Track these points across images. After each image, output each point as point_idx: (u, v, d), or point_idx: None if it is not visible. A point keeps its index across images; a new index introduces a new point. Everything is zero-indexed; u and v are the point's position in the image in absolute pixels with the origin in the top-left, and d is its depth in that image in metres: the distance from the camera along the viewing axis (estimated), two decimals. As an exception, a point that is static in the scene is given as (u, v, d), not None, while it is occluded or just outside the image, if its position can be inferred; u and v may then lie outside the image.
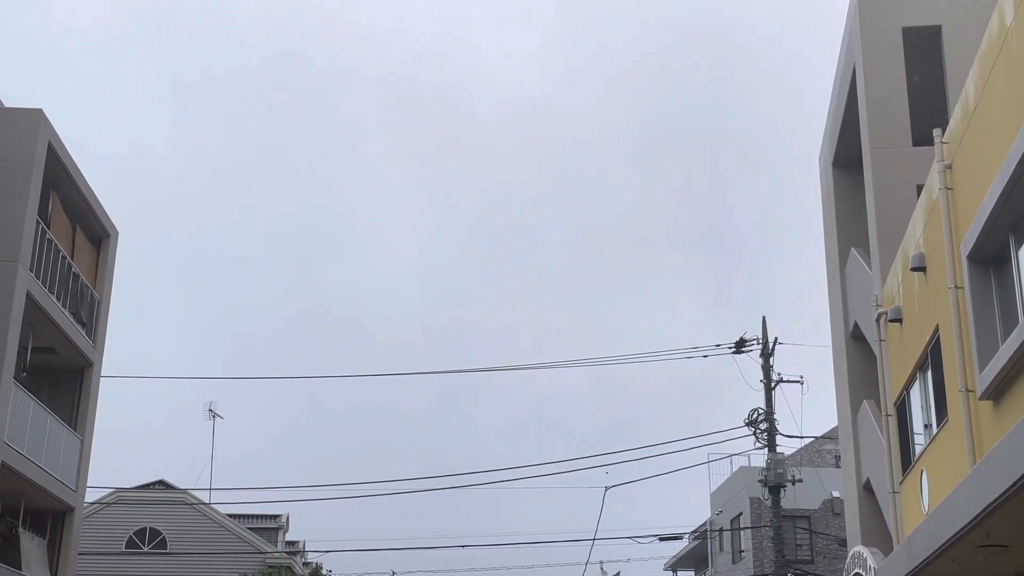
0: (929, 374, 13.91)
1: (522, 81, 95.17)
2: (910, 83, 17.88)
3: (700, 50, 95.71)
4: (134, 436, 65.95)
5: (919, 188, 15.45)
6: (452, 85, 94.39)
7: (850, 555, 18.52)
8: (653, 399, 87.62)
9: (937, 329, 13.06)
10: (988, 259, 11.20)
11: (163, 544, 35.98)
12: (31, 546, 21.42)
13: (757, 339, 28.32)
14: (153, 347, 74.23)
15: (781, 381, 27.99)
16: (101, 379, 24.21)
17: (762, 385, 28.00)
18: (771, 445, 27.60)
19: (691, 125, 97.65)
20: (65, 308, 21.65)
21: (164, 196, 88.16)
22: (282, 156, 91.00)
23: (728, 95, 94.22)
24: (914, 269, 13.84)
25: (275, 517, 40.85)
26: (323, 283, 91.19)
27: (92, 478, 24.39)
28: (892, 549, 15.27)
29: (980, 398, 11.10)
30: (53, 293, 20.94)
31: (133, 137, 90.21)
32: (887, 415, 16.31)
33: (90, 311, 23.36)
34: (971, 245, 11.18)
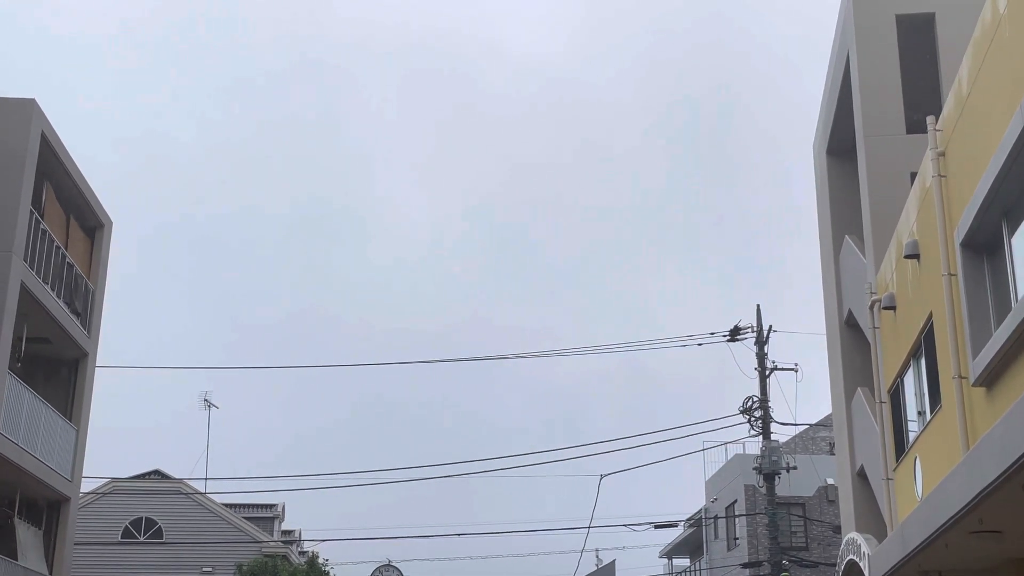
0: (923, 361, 13.94)
1: (540, 58, 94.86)
2: (904, 71, 17.87)
3: (719, 35, 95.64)
4: (130, 426, 65.95)
5: (913, 175, 15.46)
6: (468, 62, 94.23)
7: (844, 541, 18.59)
8: (658, 386, 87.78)
9: (930, 316, 13.09)
10: (981, 246, 11.22)
11: (159, 534, 36.00)
12: (27, 536, 21.42)
13: (752, 327, 28.36)
14: (154, 336, 74.23)
15: (776, 369, 28.05)
16: (96, 369, 24.20)
17: (757, 373, 28.06)
18: (766, 432, 27.66)
19: (703, 110, 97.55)
20: (60, 298, 21.62)
21: (174, 176, 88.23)
22: (293, 137, 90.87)
23: (744, 82, 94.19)
24: (908, 256, 13.86)
25: (271, 507, 40.86)
26: (330, 272, 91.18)
27: (88, 468, 24.41)
28: (886, 535, 15.33)
29: (973, 385, 11.13)
30: (47, 283, 20.91)
31: (144, 116, 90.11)
32: (881, 402, 16.35)
33: (84, 301, 23.33)
34: (964, 232, 11.20)
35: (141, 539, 35.90)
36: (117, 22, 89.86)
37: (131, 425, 67.34)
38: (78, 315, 22.81)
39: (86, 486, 28.39)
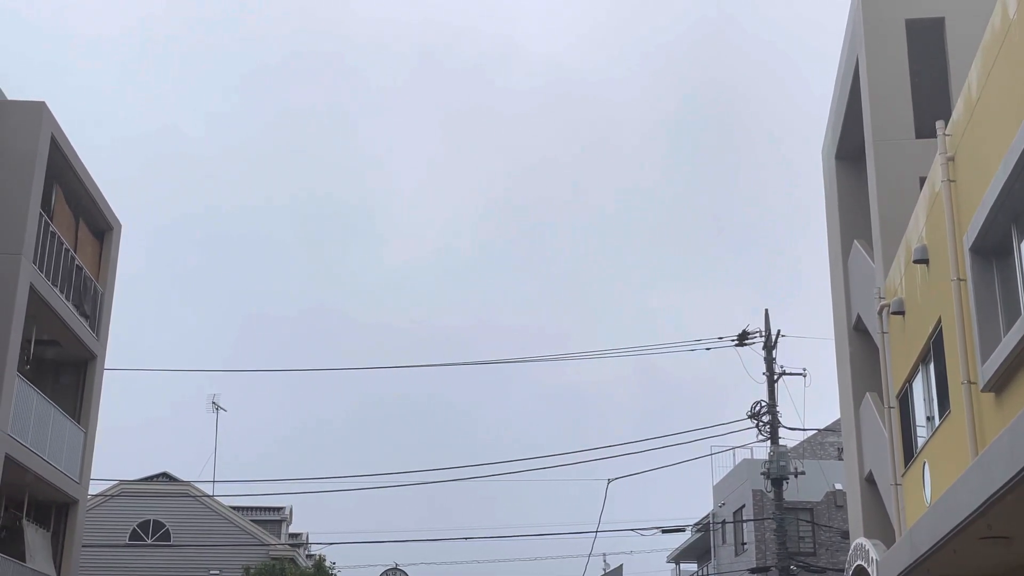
0: (931, 366, 13.91)
1: (552, 55, 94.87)
2: (913, 75, 17.85)
3: (729, 34, 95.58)
4: (138, 428, 66.04)
5: (922, 180, 15.45)
6: (481, 59, 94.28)
7: (852, 547, 18.55)
8: (668, 390, 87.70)
9: (939, 321, 13.07)
10: (990, 251, 11.20)
11: (166, 536, 36.05)
12: (35, 538, 21.47)
13: (760, 332, 28.32)
14: (161, 338, 74.32)
15: (784, 374, 27.99)
16: (104, 371, 24.25)
17: (765, 378, 28.00)
18: (774, 437, 27.60)
19: (713, 108, 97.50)
20: (68, 301, 21.68)
21: (185, 173, 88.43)
22: (304, 134, 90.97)
23: (750, 86, 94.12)
24: (916, 261, 13.84)
25: (278, 509, 40.93)
26: (340, 269, 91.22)
27: (96, 470, 24.48)
28: (894, 541, 15.29)
29: (982, 390, 11.11)
30: (56, 286, 20.96)
31: (155, 112, 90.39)
32: (889, 407, 16.32)
33: (93, 304, 23.39)
34: (973, 237, 11.18)
35: (149, 541, 35.95)
36: (129, 19, 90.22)
37: (139, 426, 67.47)
38: (87, 317, 22.87)
39: (94, 488, 28.46)
